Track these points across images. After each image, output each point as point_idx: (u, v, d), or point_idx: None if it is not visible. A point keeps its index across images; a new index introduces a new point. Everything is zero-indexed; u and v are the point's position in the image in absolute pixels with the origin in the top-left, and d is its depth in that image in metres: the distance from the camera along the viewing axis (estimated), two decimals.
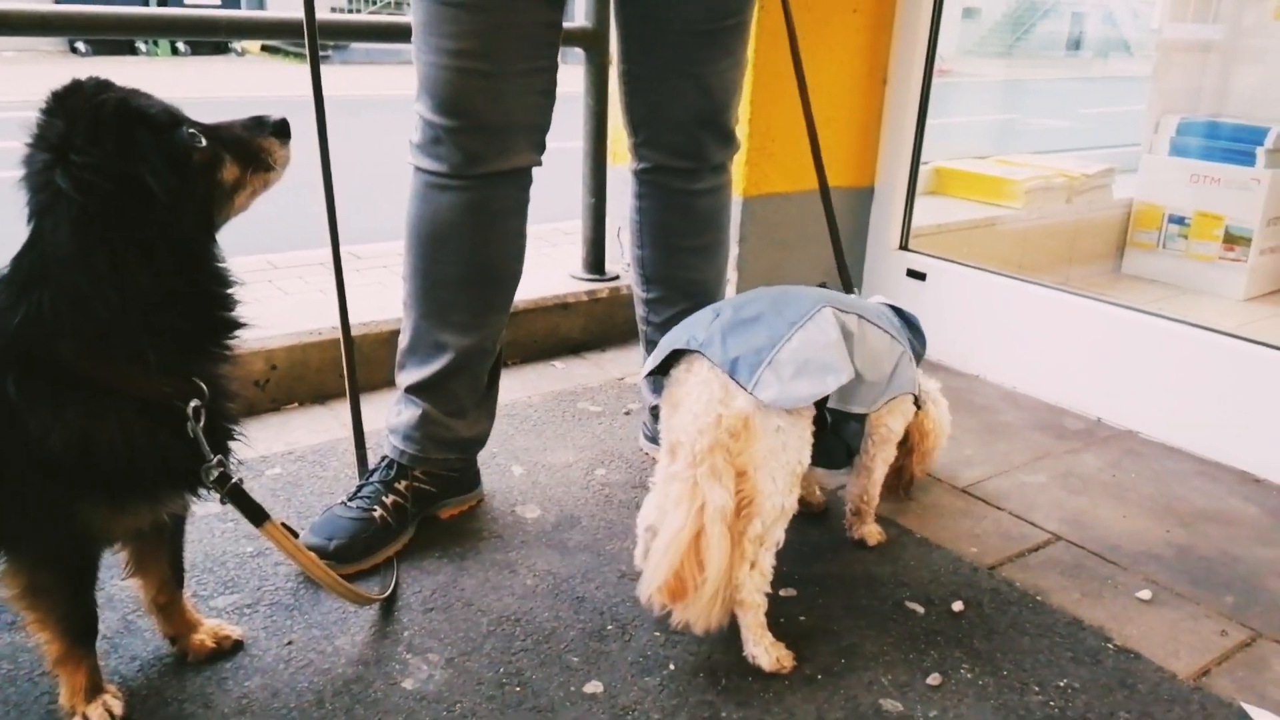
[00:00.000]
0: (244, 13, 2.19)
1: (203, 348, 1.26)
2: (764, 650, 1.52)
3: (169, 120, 1.18)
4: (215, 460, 1.28)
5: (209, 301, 1.25)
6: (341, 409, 2.37)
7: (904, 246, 2.90)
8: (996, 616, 1.68)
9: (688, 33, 1.75)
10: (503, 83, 1.62)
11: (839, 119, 2.76)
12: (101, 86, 1.15)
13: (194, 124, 1.22)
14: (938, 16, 2.69)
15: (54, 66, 12.87)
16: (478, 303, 1.80)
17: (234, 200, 1.27)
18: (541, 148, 1.76)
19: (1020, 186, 3.37)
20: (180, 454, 1.25)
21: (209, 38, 2.03)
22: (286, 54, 15.48)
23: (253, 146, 1.27)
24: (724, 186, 1.97)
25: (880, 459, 1.81)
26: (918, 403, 1.83)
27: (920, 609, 1.69)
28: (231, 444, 1.37)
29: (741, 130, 2.54)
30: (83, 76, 1.16)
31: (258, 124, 1.30)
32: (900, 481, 1.97)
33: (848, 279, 1.95)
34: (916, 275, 2.83)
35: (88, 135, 1.10)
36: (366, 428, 1.93)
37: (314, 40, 1.75)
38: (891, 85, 2.79)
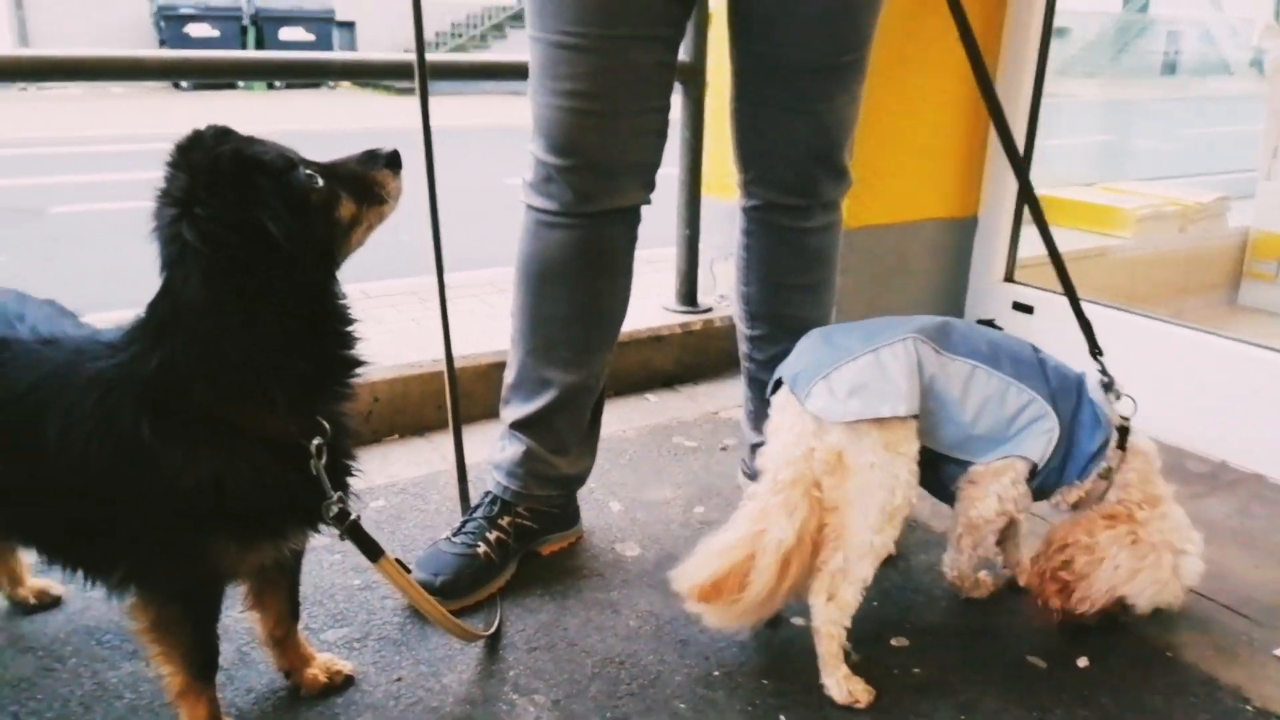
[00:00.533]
0: (356, 55, 2.27)
1: (325, 387, 1.28)
2: (836, 682, 1.50)
3: (285, 164, 1.19)
4: (336, 497, 1.30)
5: (331, 341, 1.26)
6: (440, 440, 2.39)
7: (1009, 278, 2.81)
8: (1125, 673, 1.59)
9: (806, 69, 1.71)
10: (616, 123, 1.62)
11: (942, 148, 2.70)
12: (220, 137, 1.18)
13: (310, 164, 1.23)
14: (1046, 40, 2.61)
15: (159, 101, 13.52)
16: (584, 339, 1.80)
17: (352, 236, 1.28)
18: (651, 186, 1.76)
19: (1130, 215, 3.25)
20: (304, 491, 1.27)
21: (322, 79, 2.09)
22: (377, 87, 15.97)
23: (366, 180, 1.28)
24: (835, 224, 1.93)
25: (967, 541, 1.65)
26: (1039, 486, 1.60)
27: (1043, 663, 1.62)
28: (349, 479, 1.38)
29: None
30: (203, 126, 1.19)
31: (370, 158, 1.30)
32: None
33: (1092, 341, 1.79)
34: (1023, 308, 2.74)
35: (209, 187, 1.12)
36: (467, 460, 1.94)
37: (424, 82, 1.80)
38: None
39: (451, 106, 13.07)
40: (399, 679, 1.54)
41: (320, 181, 1.21)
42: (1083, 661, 1.61)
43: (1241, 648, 1.67)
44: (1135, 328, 2.55)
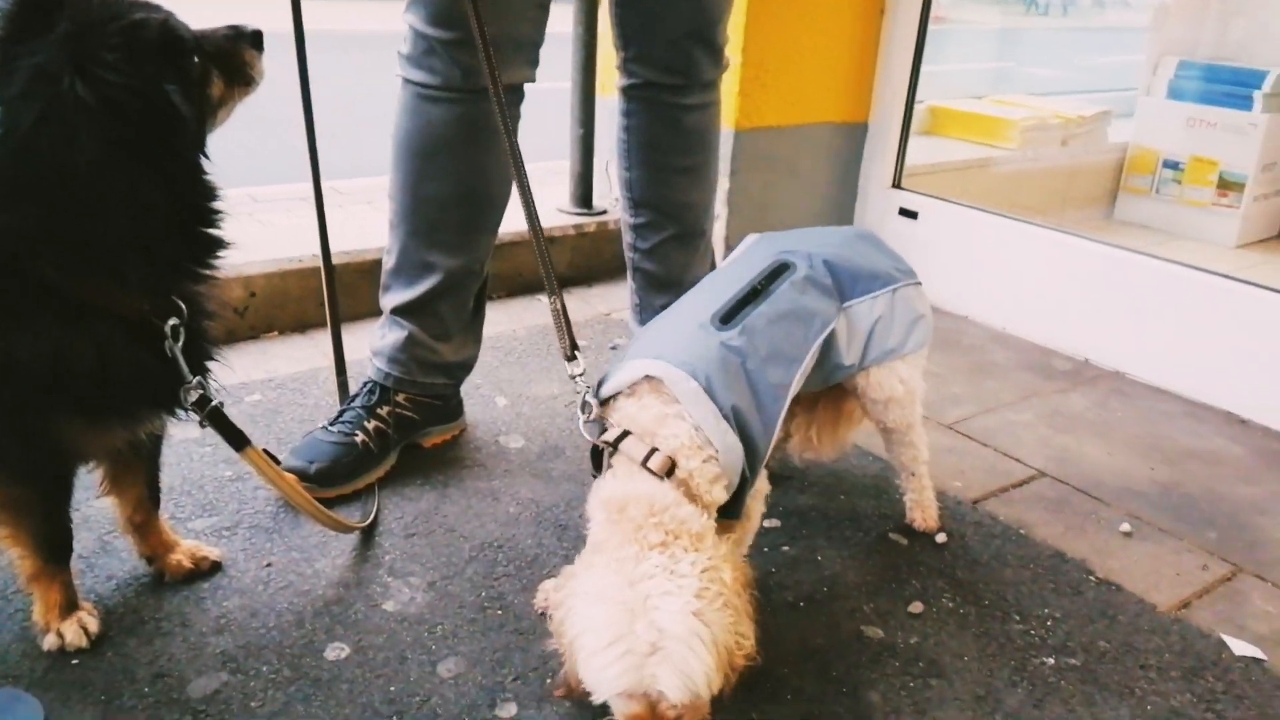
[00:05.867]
0: None
1: (184, 266, 1.22)
2: None
3: (195, 44, 1.14)
4: (194, 382, 1.25)
5: (196, 217, 1.20)
6: (322, 338, 2.33)
7: (897, 185, 2.86)
8: (979, 549, 1.68)
9: None
10: None
11: (835, 49, 2.70)
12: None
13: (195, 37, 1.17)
14: None
15: None
16: (467, 222, 1.76)
17: (218, 115, 1.23)
18: (535, 63, 1.72)
19: (1016, 127, 3.32)
20: (158, 374, 1.22)
21: None
22: None
23: (236, 59, 1.22)
24: (713, 105, 1.92)
25: None
26: None
27: (904, 541, 1.69)
28: (211, 365, 1.33)
29: (734, 59, 2.49)
30: None
31: (237, 35, 1.24)
32: None
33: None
34: (908, 214, 2.79)
35: (126, 56, 1.05)
36: (348, 357, 1.90)
37: None
38: (888, 15, 2.72)
39: (339, 9, 12.40)
40: (269, 565, 1.52)
41: (196, 59, 1.16)
42: (941, 538, 1.70)
43: (1090, 525, 1.78)
44: (1015, 233, 2.64)
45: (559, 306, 1.42)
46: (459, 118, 1.66)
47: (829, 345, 1.47)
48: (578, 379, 1.36)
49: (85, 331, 1.15)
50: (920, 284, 1.59)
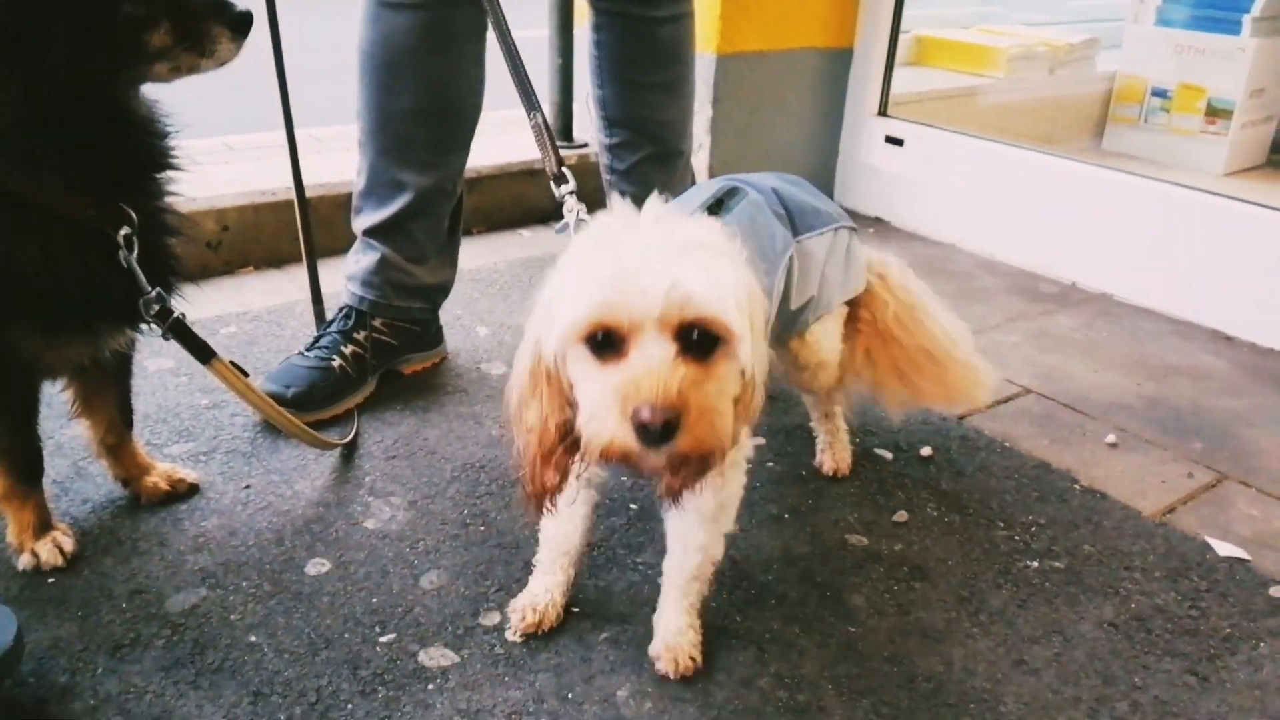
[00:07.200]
0: None
1: (130, 176, 1.19)
2: None
3: None
4: (153, 293, 1.22)
5: (131, 136, 1.18)
6: (298, 273, 2.28)
7: (883, 112, 2.81)
8: (965, 461, 1.67)
9: None
10: None
11: None
12: None
13: None
14: None
15: None
16: (436, 138, 1.72)
17: (152, 67, 1.17)
18: None
19: (1003, 55, 3.26)
20: (116, 285, 1.19)
21: None
22: None
23: (199, 26, 1.17)
24: (686, 16, 1.87)
25: None
26: None
27: (888, 455, 1.68)
28: (175, 280, 1.30)
29: None
30: None
31: (219, 6, 1.18)
32: None
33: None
34: (894, 141, 2.75)
35: None
36: (324, 291, 1.87)
37: None
38: None
39: None
40: (248, 486, 1.50)
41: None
42: (926, 451, 1.69)
43: (1075, 438, 1.78)
44: (1001, 157, 2.60)
45: (540, 121, 1.29)
46: (423, 25, 1.61)
47: (788, 278, 1.34)
48: (568, 198, 1.26)
49: (31, 233, 1.12)
50: (855, 229, 1.48)
